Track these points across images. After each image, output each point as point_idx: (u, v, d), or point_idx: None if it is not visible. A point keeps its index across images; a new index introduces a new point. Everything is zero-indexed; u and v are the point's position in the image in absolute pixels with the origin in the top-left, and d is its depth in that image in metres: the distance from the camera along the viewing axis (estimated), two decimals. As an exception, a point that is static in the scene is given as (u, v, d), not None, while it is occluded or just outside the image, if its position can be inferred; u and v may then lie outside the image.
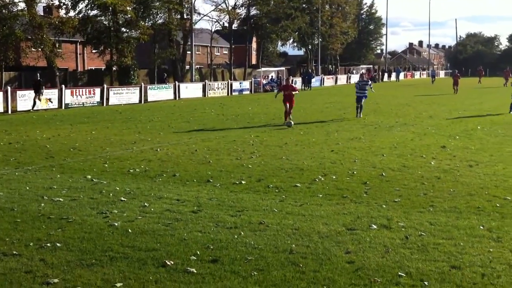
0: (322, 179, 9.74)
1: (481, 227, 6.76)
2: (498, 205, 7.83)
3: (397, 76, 73.26)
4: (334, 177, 9.90)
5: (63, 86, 30.14)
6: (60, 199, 8.29)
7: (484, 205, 7.85)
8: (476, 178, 9.72)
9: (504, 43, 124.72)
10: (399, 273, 5.29)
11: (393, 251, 5.94)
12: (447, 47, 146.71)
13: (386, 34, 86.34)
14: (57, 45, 37.32)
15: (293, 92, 19.35)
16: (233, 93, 41.72)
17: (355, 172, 10.31)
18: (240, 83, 44.94)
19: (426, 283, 5.07)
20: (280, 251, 5.97)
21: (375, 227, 6.81)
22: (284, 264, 5.57)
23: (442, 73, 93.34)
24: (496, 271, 5.35)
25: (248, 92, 43.79)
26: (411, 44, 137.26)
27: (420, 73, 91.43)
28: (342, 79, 63.78)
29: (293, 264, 5.57)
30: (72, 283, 5.09)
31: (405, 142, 14.55)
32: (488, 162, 11.43)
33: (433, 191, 8.76)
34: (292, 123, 18.26)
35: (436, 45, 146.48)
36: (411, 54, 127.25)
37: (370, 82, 22.69)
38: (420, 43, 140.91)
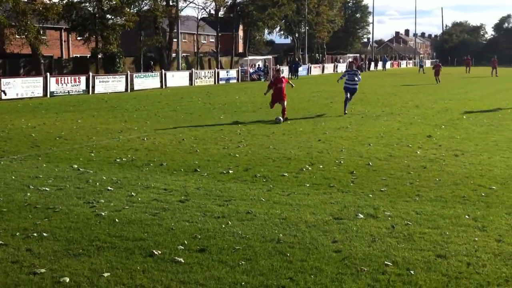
0: (309, 168, 9.77)
1: (467, 216, 6.83)
2: (483, 194, 7.92)
3: (384, 65, 73.61)
4: (321, 166, 9.94)
5: (48, 74, 29.79)
6: (46, 188, 8.23)
7: (469, 194, 7.93)
8: (461, 168, 9.82)
9: (489, 32, 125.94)
10: (386, 262, 5.34)
11: (380, 240, 5.98)
12: (433, 36, 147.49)
13: (373, 23, 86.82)
14: (41, 32, 36.83)
15: (284, 85, 17.23)
16: (220, 82, 41.59)
17: (342, 162, 10.36)
18: (227, 72, 44.79)
19: (412, 272, 5.12)
20: (268, 240, 5.99)
21: (361, 216, 6.85)
22: (271, 254, 5.59)
23: (428, 62, 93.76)
24: (481, 260, 5.42)
25: (235, 80, 43.68)
26: (397, 33, 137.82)
27: (407, 62, 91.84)
28: (329, 68, 63.86)
29: (280, 253, 5.59)
30: (59, 273, 5.07)
31: (392, 131, 14.63)
32: (473, 151, 11.54)
33: (419, 180, 8.83)
34: (282, 119, 16.59)
35: (422, 34, 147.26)
36: (398, 43, 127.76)
37: (359, 74, 19.19)
38: (407, 32, 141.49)
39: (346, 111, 18.67)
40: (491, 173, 9.39)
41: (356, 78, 18.78)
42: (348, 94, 18.84)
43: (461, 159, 10.67)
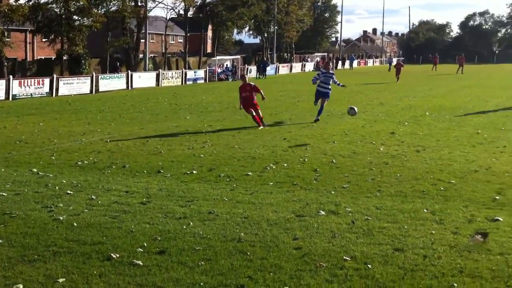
0: (274, 167, 9.79)
1: (425, 210, 6.94)
2: (442, 188, 8.06)
3: (351, 64, 74.21)
4: (285, 164, 9.97)
5: (11, 76, 29.13)
6: (3, 193, 8.02)
7: (428, 188, 8.07)
8: (422, 163, 9.98)
9: (455, 30, 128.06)
10: (344, 257, 5.38)
11: (340, 236, 6.03)
12: (400, 34, 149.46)
13: (341, 22, 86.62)
14: (5, 34, 35.99)
15: (253, 94, 15.50)
16: (187, 82, 41.34)
17: (306, 160, 10.41)
18: (194, 72, 44.55)
19: (369, 266, 5.17)
20: (229, 240, 5.97)
21: (323, 213, 6.89)
22: (232, 253, 5.57)
23: (395, 61, 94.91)
24: (437, 252, 5.52)
25: (202, 81, 43.47)
26: (365, 32, 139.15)
27: (373, 60, 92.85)
28: (297, 67, 64.11)
29: (241, 252, 5.58)
30: (12, 280, 4.94)
31: (356, 129, 14.77)
32: (434, 147, 11.74)
33: (381, 176, 8.94)
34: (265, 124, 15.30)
35: (390, 33, 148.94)
36: (365, 42, 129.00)
37: (334, 77, 16.87)
38: (374, 30, 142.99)
39: (318, 118, 16.17)
40: (450, 167, 9.57)
41: (330, 82, 16.58)
42: (319, 100, 16.67)
43: (422, 154, 10.85)
